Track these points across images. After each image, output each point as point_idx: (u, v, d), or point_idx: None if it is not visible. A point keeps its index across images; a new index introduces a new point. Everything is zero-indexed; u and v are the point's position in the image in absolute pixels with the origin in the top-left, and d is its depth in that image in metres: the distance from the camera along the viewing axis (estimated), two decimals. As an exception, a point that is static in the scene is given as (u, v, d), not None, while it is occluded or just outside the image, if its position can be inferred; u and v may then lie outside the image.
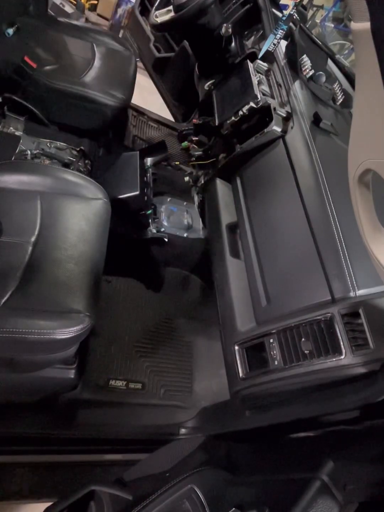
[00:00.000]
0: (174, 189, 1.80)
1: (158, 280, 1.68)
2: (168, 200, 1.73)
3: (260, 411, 1.04)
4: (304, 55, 1.41)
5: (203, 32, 1.45)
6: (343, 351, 0.84)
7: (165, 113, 2.29)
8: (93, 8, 3.61)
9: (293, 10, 1.31)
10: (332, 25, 3.66)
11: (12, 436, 1.15)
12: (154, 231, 1.59)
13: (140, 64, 2.02)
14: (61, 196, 1.17)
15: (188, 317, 1.63)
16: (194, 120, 1.61)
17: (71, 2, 3.15)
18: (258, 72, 1.37)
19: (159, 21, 1.41)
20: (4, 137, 1.47)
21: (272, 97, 1.32)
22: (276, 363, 0.96)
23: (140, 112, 2.22)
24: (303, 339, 0.92)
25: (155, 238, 1.58)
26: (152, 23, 1.45)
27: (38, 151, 1.51)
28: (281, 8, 1.54)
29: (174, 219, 1.68)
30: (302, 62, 1.40)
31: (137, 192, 1.53)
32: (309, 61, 1.40)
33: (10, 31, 1.57)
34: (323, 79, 1.40)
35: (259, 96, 1.26)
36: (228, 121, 1.35)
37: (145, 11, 2.01)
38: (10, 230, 1.03)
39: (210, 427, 1.26)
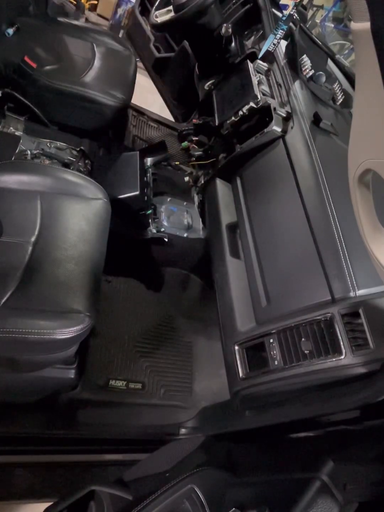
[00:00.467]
0: (174, 189, 1.80)
1: (158, 280, 1.68)
2: (168, 200, 1.72)
3: (260, 411, 1.04)
4: (304, 55, 1.40)
5: (203, 32, 1.45)
6: (343, 351, 0.84)
7: (165, 113, 2.28)
8: (93, 8, 3.61)
9: (293, 10, 1.30)
10: (332, 25, 3.65)
11: (12, 436, 1.15)
12: (154, 231, 1.59)
13: (140, 64, 2.02)
14: (61, 196, 1.17)
15: (188, 317, 1.63)
16: (194, 120, 1.61)
17: (71, 2, 3.14)
18: (258, 72, 1.37)
19: (159, 21, 1.41)
20: (4, 137, 1.47)
21: (272, 97, 1.32)
22: (276, 363, 0.96)
23: (140, 112, 2.22)
24: (303, 339, 0.92)
25: (155, 238, 1.58)
26: (152, 23, 1.45)
27: (38, 151, 1.51)
28: (281, 8, 1.54)
29: (174, 219, 1.67)
30: (302, 62, 1.40)
31: (137, 192, 1.53)
32: (309, 61, 1.40)
33: (10, 31, 1.57)
34: (323, 79, 1.40)
35: (259, 96, 1.26)
36: (228, 121, 1.35)
37: (145, 11, 2.01)
38: (10, 230, 1.04)
39: (210, 427, 1.26)
